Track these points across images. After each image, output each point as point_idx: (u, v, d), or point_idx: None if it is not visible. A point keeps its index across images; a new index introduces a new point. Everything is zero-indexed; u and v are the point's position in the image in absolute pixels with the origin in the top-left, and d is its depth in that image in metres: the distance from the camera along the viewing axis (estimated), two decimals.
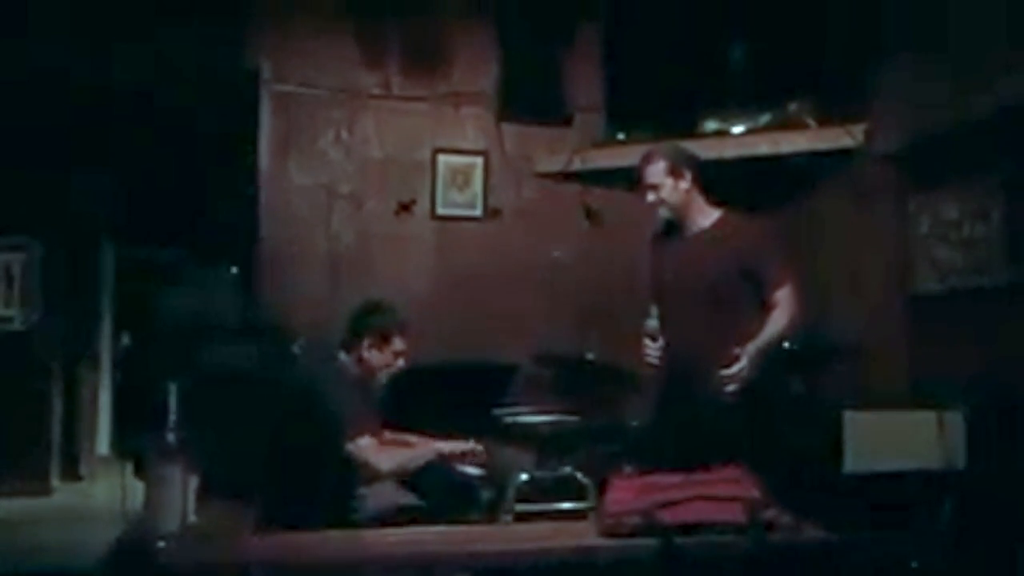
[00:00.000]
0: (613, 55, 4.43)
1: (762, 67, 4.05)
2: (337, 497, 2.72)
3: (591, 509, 2.47)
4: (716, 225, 3.01)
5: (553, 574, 2.14)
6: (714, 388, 2.77)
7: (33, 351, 5.82)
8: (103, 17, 4.28)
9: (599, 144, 4.47)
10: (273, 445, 2.87)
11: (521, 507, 2.53)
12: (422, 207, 4.55)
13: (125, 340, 7.60)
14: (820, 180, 4.05)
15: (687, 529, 2.11)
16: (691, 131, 4.05)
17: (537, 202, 4.63)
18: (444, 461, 2.91)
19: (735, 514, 2.13)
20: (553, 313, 4.42)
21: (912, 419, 2.74)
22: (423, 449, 2.94)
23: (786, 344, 2.97)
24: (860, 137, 3.82)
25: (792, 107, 3.98)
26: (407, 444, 3.02)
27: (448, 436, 2.98)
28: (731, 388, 2.77)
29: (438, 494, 2.85)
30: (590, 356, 3.61)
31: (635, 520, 2.12)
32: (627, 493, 2.25)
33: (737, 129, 4.10)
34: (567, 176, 4.54)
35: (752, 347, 2.79)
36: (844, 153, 3.86)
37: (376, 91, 4.53)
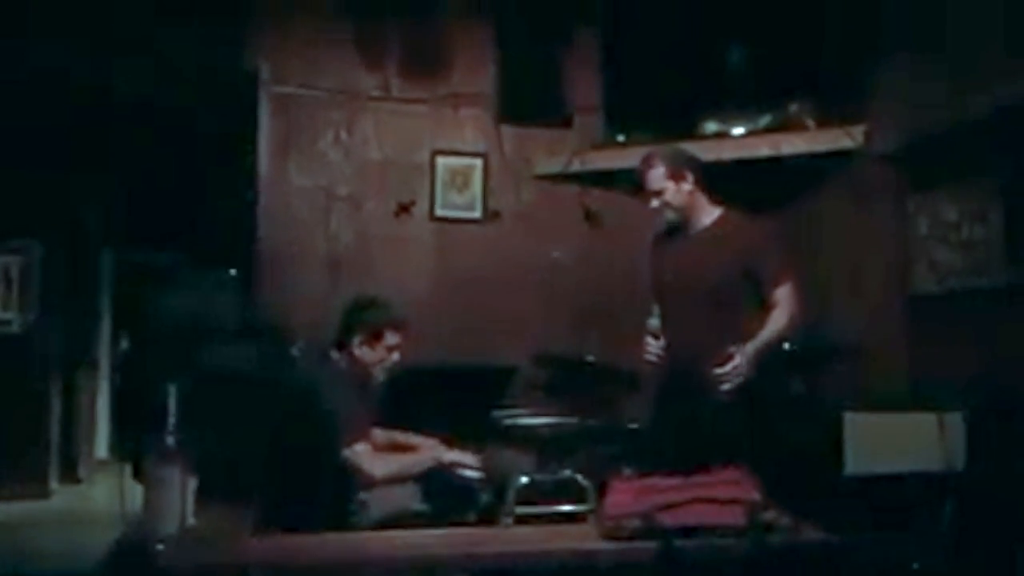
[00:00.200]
0: (612, 57, 4.43)
1: (762, 69, 4.05)
2: (335, 499, 2.71)
3: (591, 511, 2.46)
4: (716, 224, 3.02)
5: None
6: (713, 388, 2.77)
7: (32, 354, 5.81)
8: (103, 19, 4.28)
9: (598, 146, 4.47)
10: (271, 447, 2.86)
11: (521, 510, 2.53)
12: (421, 209, 4.55)
13: (124, 343, 7.60)
14: (820, 181, 4.05)
15: (687, 531, 2.10)
16: (691, 133, 4.05)
17: (536, 204, 4.63)
18: (443, 468, 2.89)
19: (735, 516, 2.13)
20: (552, 315, 4.42)
21: (912, 421, 2.74)
22: (419, 456, 2.91)
23: (786, 345, 2.97)
24: (859, 138, 3.82)
25: (792, 108, 3.98)
26: (407, 445, 3.00)
27: (448, 438, 2.97)
28: (725, 387, 2.77)
29: (438, 497, 2.84)
30: (590, 358, 3.61)
31: (635, 522, 2.12)
32: (627, 495, 2.25)
33: (737, 131, 4.10)
34: (566, 178, 4.54)
35: (750, 347, 2.79)
36: (843, 154, 3.87)
37: (375, 93, 4.53)
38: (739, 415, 2.78)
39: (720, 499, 2.17)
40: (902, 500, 2.64)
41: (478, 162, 4.60)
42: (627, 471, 2.76)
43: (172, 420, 2.35)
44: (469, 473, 2.83)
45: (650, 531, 2.09)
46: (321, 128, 4.49)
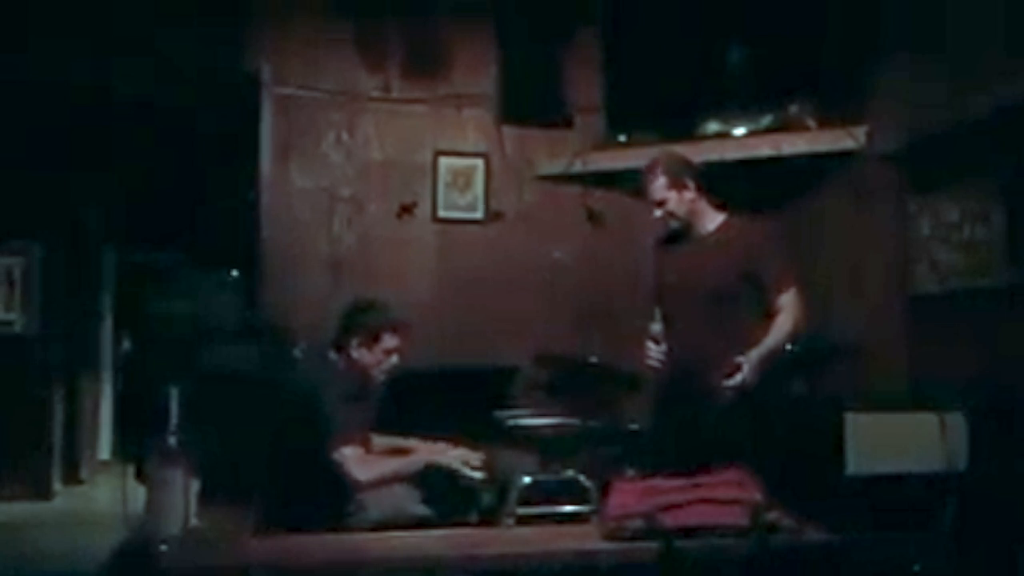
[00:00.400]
0: (613, 57, 4.43)
1: (763, 69, 4.05)
2: (333, 500, 2.70)
3: (593, 512, 2.47)
4: (720, 229, 3.03)
5: None
6: (716, 393, 2.78)
7: (34, 355, 5.82)
8: (104, 21, 4.28)
9: (600, 146, 4.47)
10: (271, 448, 2.86)
11: (523, 510, 2.53)
12: (423, 210, 4.55)
13: (126, 344, 7.61)
14: (821, 181, 4.05)
15: (689, 532, 2.10)
16: (692, 133, 4.05)
17: (538, 204, 4.63)
18: (438, 469, 2.86)
19: (737, 517, 2.13)
20: (554, 315, 4.42)
21: (914, 421, 2.73)
22: (409, 459, 2.89)
23: (787, 346, 2.97)
24: (861, 138, 3.82)
25: (793, 109, 3.98)
26: (407, 451, 2.98)
27: (452, 441, 2.96)
28: (731, 396, 2.77)
29: (439, 498, 2.84)
30: (592, 358, 3.61)
31: (637, 523, 2.13)
32: (629, 496, 2.25)
33: (738, 131, 4.10)
34: (568, 178, 4.54)
35: (755, 354, 2.80)
36: (845, 154, 3.86)
37: (377, 94, 4.53)
38: (740, 416, 2.78)
39: (722, 500, 2.18)
40: (903, 500, 2.64)
41: (480, 163, 4.61)
42: (629, 472, 2.76)
43: (174, 421, 2.35)
44: (471, 473, 2.82)
45: (652, 532, 2.10)
46: (323, 129, 4.49)
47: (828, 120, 3.92)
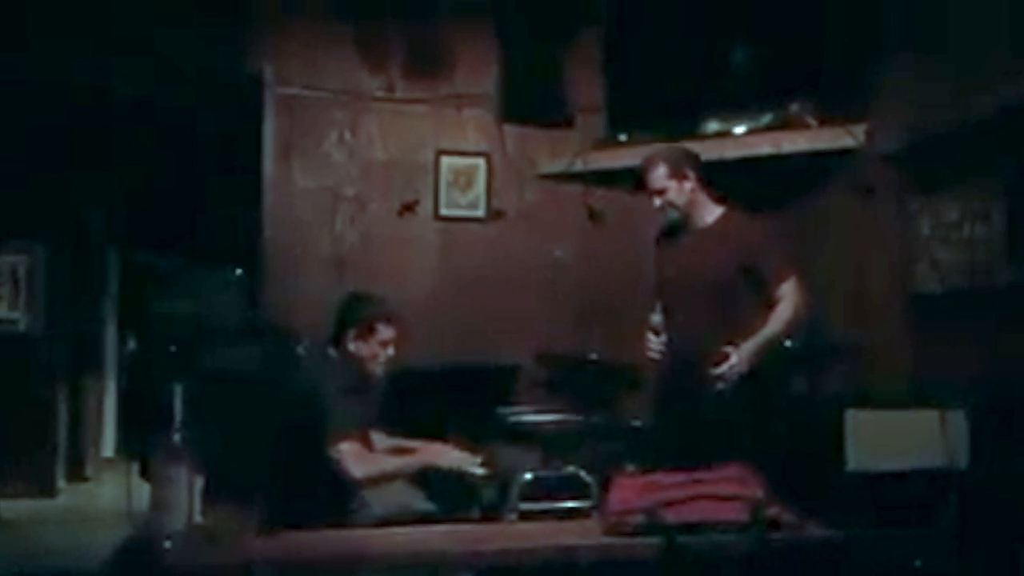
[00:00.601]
0: (614, 56, 4.44)
1: (763, 67, 4.05)
2: (336, 497, 2.71)
3: (595, 508, 2.48)
4: (719, 221, 3.04)
5: (557, 573, 2.15)
6: (713, 385, 2.79)
7: (39, 352, 5.83)
8: (106, 22, 4.29)
9: (601, 145, 4.48)
10: (275, 445, 2.87)
11: (525, 506, 2.55)
12: (425, 208, 4.57)
13: (131, 342, 7.63)
14: (821, 180, 4.06)
15: (690, 528, 2.11)
16: (693, 132, 4.06)
17: (539, 203, 4.65)
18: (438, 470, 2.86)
19: (738, 513, 2.14)
20: (556, 313, 4.44)
21: (914, 418, 2.74)
22: (408, 459, 2.88)
23: (788, 343, 2.98)
24: (861, 137, 3.83)
25: (793, 107, 3.99)
26: (410, 451, 2.99)
27: (452, 440, 2.96)
28: (722, 386, 2.78)
29: (442, 494, 2.85)
30: (593, 356, 3.62)
31: (638, 519, 2.13)
32: (630, 492, 2.26)
33: (739, 130, 4.11)
34: (569, 177, 4.55)
35: (751, 344, 2.81)
36: (845, 153, 3.87)
37: (379, 93, 4.55)
38: (742, 412, 2.79)
39: (723, 496, 2.18)
40: (904, 497, 2.65)
41: (481, 162, 4.62)
42: (630, 468, 2.77)
43: (178, 419, 2.36)
44: (473, 469, 2.83)
45: (653, 527, 2.11)
46: (325, 129, 4.51)
47: (829, 119, 3.93)
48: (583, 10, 4.54)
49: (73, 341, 6.23)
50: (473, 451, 2.84)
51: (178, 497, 2.12)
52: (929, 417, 2.69)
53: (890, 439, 2.73)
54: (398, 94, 4.56)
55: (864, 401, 2.94)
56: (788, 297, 2.89)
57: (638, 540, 2.12)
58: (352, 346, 2.87)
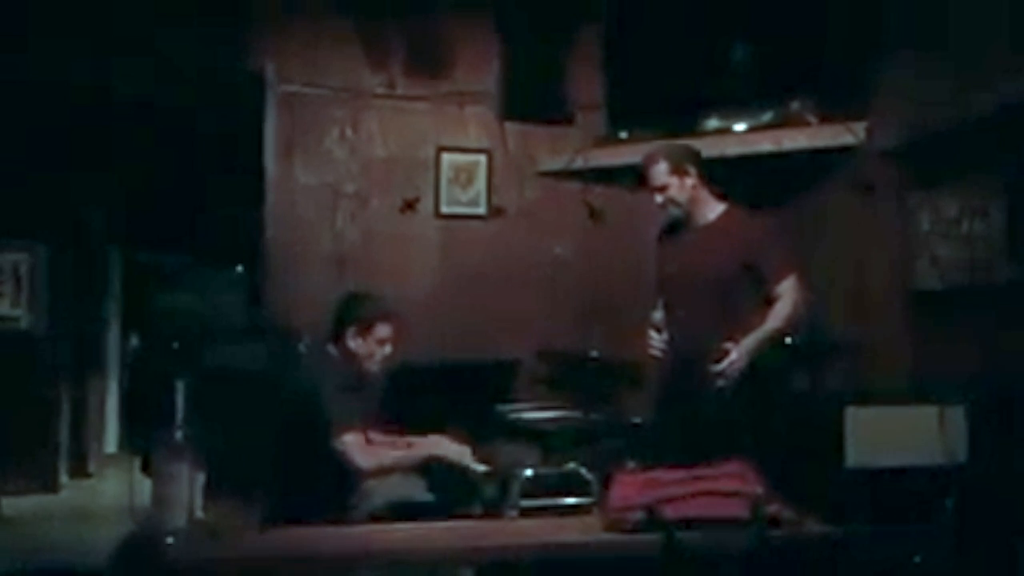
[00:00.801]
0: (615, 54, 4.44)
1: (764, 65, 4.05)
2: (337, 490, 2.73)
3: (595, 504, 2.49)
4: (720, 218, 3.05)
5: (557, 569, 2.16)
6: (714, 382, 2.80)
7: (41, 349, 5.85)
8: (106, 22, 4.30)
9: (601, 142, 4.48)
10: (276, 441, 2.88)
11: (525, 503, 2.55)
12: (426, 206, 4.57)
13: (133, 339, 7.65)
14: (821, 177, 4.06)
15: (690, 524, 2.12)
16: (693, 129, 4.06)
17: (540, 200, 4.65)
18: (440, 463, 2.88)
19: (738, 509, 2.15)
20: (556, 311, 4.44)
21: (914, 414, 2.75)
22: (412, 451, 2.89)
23: (788, 340, 2.99)
24: (861, 134, 3.83)
25: (794, 105, 3.99)
26: (406, 445, 3.00)
27: (452, 435, 2.97)
28: (722, 383, 2.79)
29: (442, 489, 2.86)
30: (593, 353, 3.63)
31: (638, 515, 2.14)
32: (630, 488, 2.27)
33: (739, 127, 4.11)
34: (570, 174, 4.55)
35: (751, 340, 2.82)
36: (845, 150, 3.87)
37: (380, 90, 4.55)
38: (742, 409, 2.80)
39: (723, 492, 2.19)
40: (903, 494, 2.66)
41: (482, 159, 4.63)
42: (630, 464, 2.78)
43: (181, 415, 2.37)
44: (474, 466, 2.84)
45: (653, 524, 2.11)
46: (326, 126, 4.51)
47: (829, 116, 3.93)
48: (584, 7, 4.54)
49: (75, 338, 6.24)
50: (472, 448, 2.85)
51: (180, 493, 2.13)
52: (928, 413, 2.70)
53: (890, 435, 2.73)
54: (399, 91, 4.56)
55: (864, 398, 2.95)
56: (788, 294, 2.90)
57: (638, 537, 2.13)
58: (352, 343, 2.89)
